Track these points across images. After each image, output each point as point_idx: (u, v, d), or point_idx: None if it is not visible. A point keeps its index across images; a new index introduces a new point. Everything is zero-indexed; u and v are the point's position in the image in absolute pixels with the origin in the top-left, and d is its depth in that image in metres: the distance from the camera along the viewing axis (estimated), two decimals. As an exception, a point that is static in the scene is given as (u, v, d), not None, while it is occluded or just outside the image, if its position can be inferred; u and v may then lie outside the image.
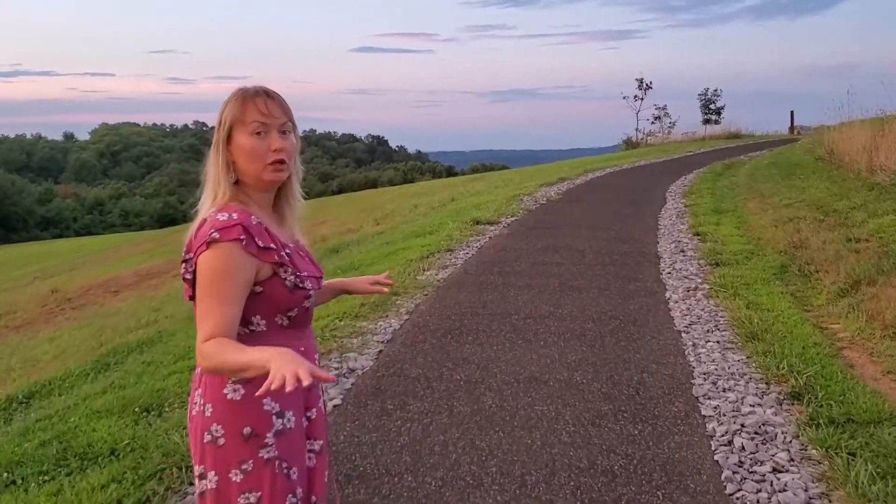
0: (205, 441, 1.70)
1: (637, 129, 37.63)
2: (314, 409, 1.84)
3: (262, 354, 1.47)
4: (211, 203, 1.71)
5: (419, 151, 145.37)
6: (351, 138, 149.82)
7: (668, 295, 6.21)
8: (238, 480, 1.69)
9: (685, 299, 6.05)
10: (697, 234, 8.98)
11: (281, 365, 1.39)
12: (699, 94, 39.02)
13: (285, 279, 1.70)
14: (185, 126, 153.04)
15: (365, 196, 28.72)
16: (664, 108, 38.02)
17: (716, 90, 38.82)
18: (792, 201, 9.89)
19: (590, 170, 19.13)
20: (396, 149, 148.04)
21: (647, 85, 37.77)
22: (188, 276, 1.69)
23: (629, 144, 36.54)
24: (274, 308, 1.71)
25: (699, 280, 6.69)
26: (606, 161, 22.79)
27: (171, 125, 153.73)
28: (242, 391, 1.68)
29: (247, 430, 1.69)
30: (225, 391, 1.68)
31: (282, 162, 1.71)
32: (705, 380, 4.20)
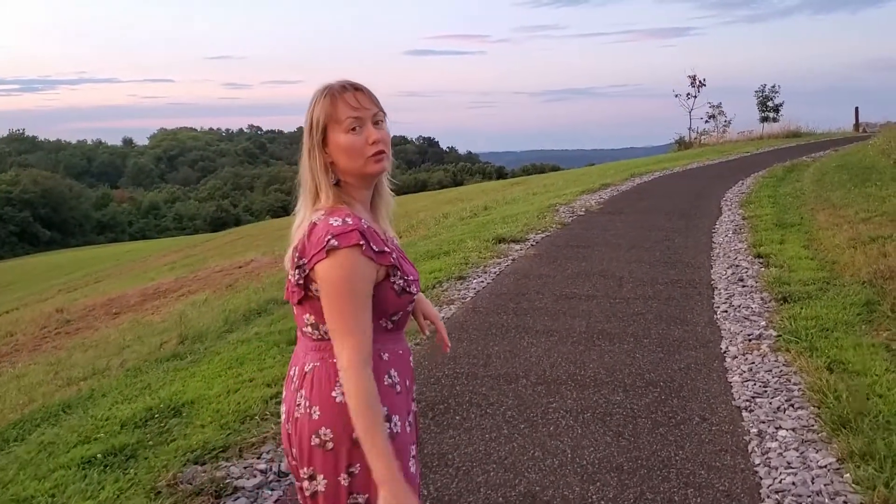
0: (312, 444, 1.65)
1: (690, 129, 35.81)
2: (412, 414, 1.81)
3: (391, 465, 1.53)
4: (312, 206, 1.69)
5: (470, 152, 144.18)
6: (402, 140, 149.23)
7: (723, 346, 4.90)
8: (346, 484, 1.65)
9: (746, 353, 4.73)
10: (759, 256, 7.59)
11: (403, 500, 1.52)
12: (756, 91, 36.97)
13: (394, 283, 1.67)
14: (241, 130, 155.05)
15: (401, 202, 27.65)
16: (719, 105, 36.07)
17: (774, 86, 36.70)
18: (870, 214, 8.40)
19: (637, 174, 17.69)
20: (447, 150, 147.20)
21: (700, 82, 35.87)
22: (300, 282, 1.64)
23: (682, 144, 34.77)
24: (381, 312, 1.67)
25: (763, 323, 5.35)
26: (656, 164, 21.27)
27: (227, 129, 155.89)
28: None
29: (355, 435, 1.59)
30: (333, 394, 1.64)
31: (382, 152, 1.69)
32: None
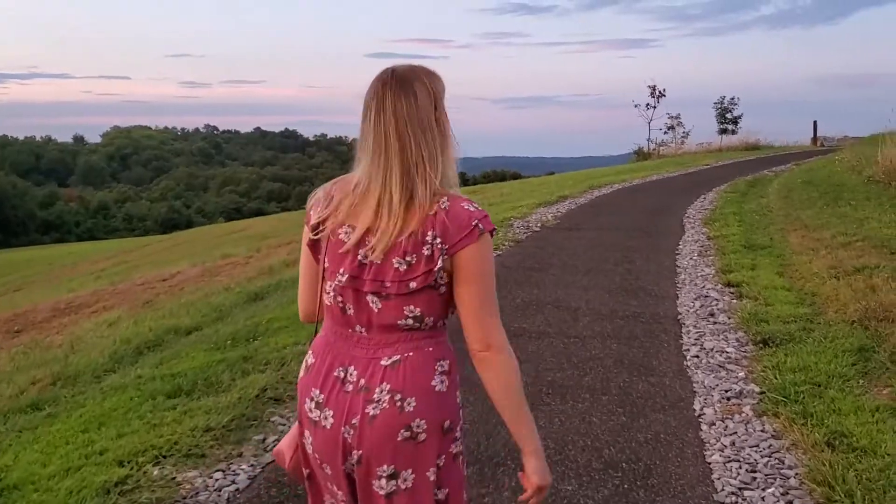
0: (400, 439, 1.56)
1: (649, 140, 35.41)
2: None
3: (538, 439, 1.65)
4: (428, 187, 1.54)
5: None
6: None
7: (697, 407, 4.03)
8: (434, 478, 1.60)
9: (725, 418, 3.87)
10: (729, 285, 6.79)
11: (548, 473, 1.63)
12: (715, 103, 36.81)
13: None
14: (197, 129, 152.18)
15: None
16: (678, 117, 35.75)
17: (732, 99, 36.61)
18: (850, 238, 7.68)
19: (596, 185, 16.94)
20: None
21: (660, 92, 35.49)
22: (438, 267, 1.53)
23: (640, 155, 34.34)
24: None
25: (742, 374, 4.51)
26: (615, 175, 20.58)
27: (183, 129, 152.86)
28: (447, 382, 1.62)
29: (447, 423, 1.61)
30: (433, 383, 1.59)
31: None
32: None
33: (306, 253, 1.74)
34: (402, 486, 1.59)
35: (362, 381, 1.60)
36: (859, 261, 6.67)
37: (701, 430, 3.75)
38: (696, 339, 5.26)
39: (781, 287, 6.52)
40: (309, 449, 1.69)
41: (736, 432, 3.69)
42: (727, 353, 4.94)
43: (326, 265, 1.64)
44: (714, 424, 3.80)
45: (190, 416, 3.93)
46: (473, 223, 1.54)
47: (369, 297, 1.58)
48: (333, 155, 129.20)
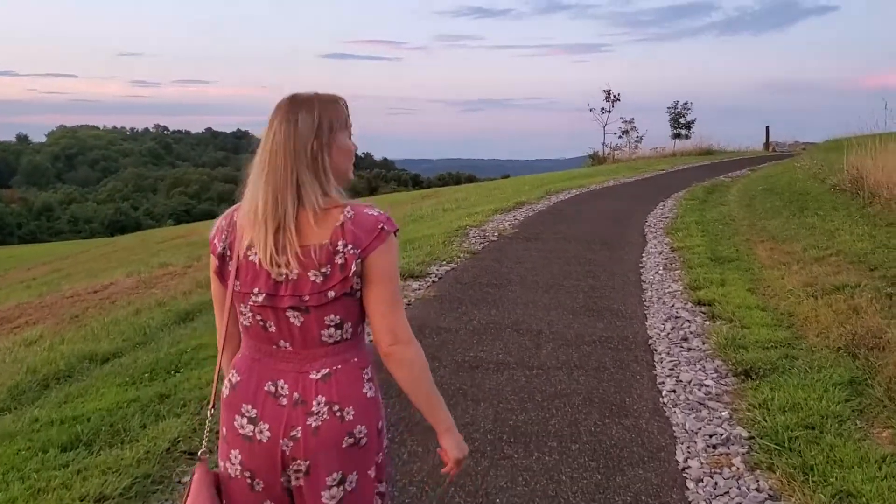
0: (344, 446, 1.65)
1: (604, 144, 35.23)
2: None
3: (450, 417, 1.75)
4: (295, 202, 1.62)
5: (385, 159, 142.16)
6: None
7: (680, 458, 3.51)
8: (374, 475, 1.71)
9: (713, 472, 3.36)
10: (700, 303, 6.33)
11: (464, 445, 1.77)
12: (668, 108, 36.82)
13: None
14: (146, 129, 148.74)
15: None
16: (631, 121, 35.63)
17: (686, 103, 36.64)
18: (823, 252, 7.28)
19: (553, 191, 16.49)
20: (362, 156, 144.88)
21: (614, 97, 35.33)
22: (351, 274, 1.61)
23: (595, 159, 34.13)
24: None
25: (726, 415, 4.02)
26: (570, 180, 20.20)
27: (132, 128, 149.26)
28: (373, 387, 1.72)
29: (381, 423, 1.72)
30: (364, 391, 1.68)
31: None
32: None
33: (216, 281, 1.81)
34: (348, 489, 1.67)
35: (296, 395, 1.64)
36: (837, 278, 6.26)
37: (687, 488, 3.23)
38: (670, 370, 4.76)
39: (755, 306, 6.07)
40: (234, 471, 1.70)
41: (728, 492, 3.18)
42: (706, 386, 4.44)
43: (237, 288, 1.68)
44: (701, 481, 3.28)
45: (84, 477, 3.28)
46: (379, 226, 1.63)
47: (289, 313, 1.63)
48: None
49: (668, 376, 4.65)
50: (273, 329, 1.66)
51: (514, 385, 4.46)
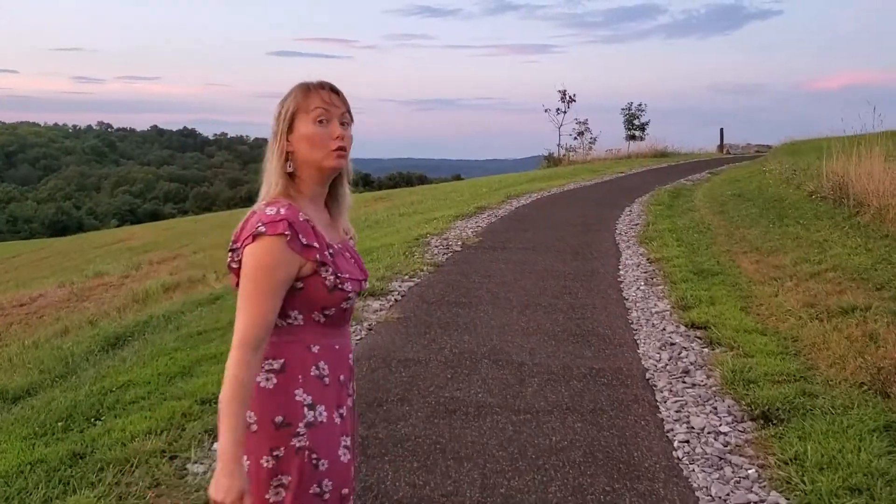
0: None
1: (559, 145, 34.85)
2: (345, 407, 1.82)
3: (235, 449, 1.58)
4: (264, 195, 1.74)
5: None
6: (264, 143, 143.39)
7: (716, 541, 2.87)
8: (269, 466, 1.69)
9: (760, 561, 2.73)
10: (693, 326, 5.75)
11: (231, 484, 1.55)
12: (623, 109, 36.64)
13: (325, 278, 1.70)
14: (89, 127, 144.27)
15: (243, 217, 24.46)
16: (585, 122, 35.33)
17: (640, 105, 36.51)
18: (817, 267, 6.76)
19: (513, 195, 15.89)
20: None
21: (570, 97, 34.98)
22: (234, 266, 1.71)
23: (551, 161, 33.71)
24: (312, 305, 1.72)
25: (753, 473, 3.40)
26: (530, 183, 19.65)
27: (75, 126, 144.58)
28: (275, 380, 1.71)
29: (278, 418, 1.69)
30: (258, 380, 1.69)
31: (342, 149, 1.74)
32: None
33: None
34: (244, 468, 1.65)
35: None
36: (841, 298, 5.72)
37: (733, 587, 2.59)
38: (677, 412, 4.13)
39: (755, 330, 5.50)
40: None
41: (785, 592, 2.54)
42: (723, 435, 3.82)
43: None
44: (748, 575, 2.65)
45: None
46: (257, 226, 1.64)
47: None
48: (234, 154, 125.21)
49: (676, 421, 4.02)
50: None
51: (501, 436, 3.78)
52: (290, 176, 1.74)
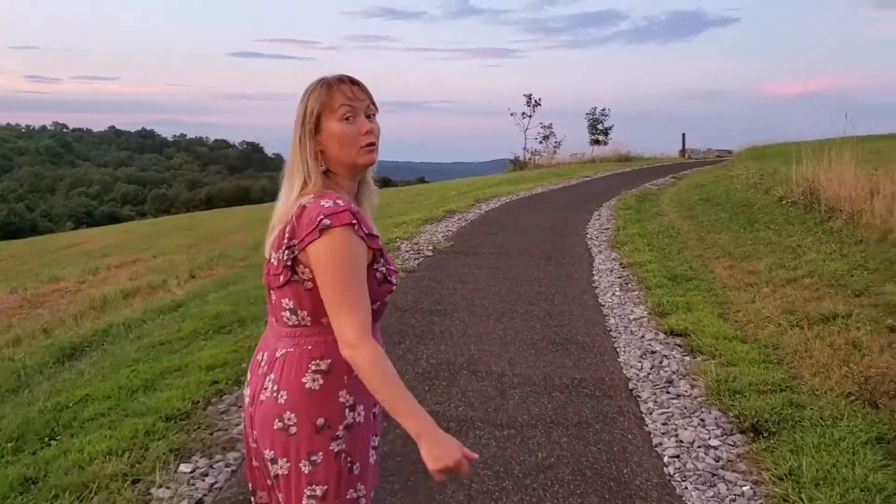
0: (274, 428, 1.66)
1: (525, 149, 34.90)
2: (377, 405, 1.78)
3: (425, 418, 1.55)
4: (299, 193, 1.69)
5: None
6: (224, 144, 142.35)
7: (718, 565, 2.73)
8: (307, 472, 1.66)
9: (766, 588, 2.59)
10: (673, 333, 5.65)
11: (446, 450, 1.51)
12: (587, 114, 36.84)
13: (377, 270, 1.69)
14: (44, 127, 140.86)
15: (210, 219, 24.06)
16: (550, 126, 35.44)
17: (603, 110, 36.77)
18: (793, 273, 6.72)
19: (482, 198, 15.76)
20: (273, 156, 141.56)
21: (535, 102, 35.07)
22: (288, 263, 1.65)
23: (517, 164, 33.74)
24: None
25: (748, 490, 3.29)
26: (498, 186, 19.54)
27: (28, 125, 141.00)
28: (321, 381, 1.68)
29: (320, 420, 1.67)
30: (304, 380, 1.66)
31: (373, 144, 1.72)
32: None
33: None
34: (281, 472, 1.68)
35: (265, 367, 1.72)
36: (821, 305, 5.66)
37: None
38: (664, 425, 4.01)
39: (734, 338, 5.41)
40: (242, 427, 2.03)
41: None
42: (714, 448, 3.70)
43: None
44: None
45: None
46: (319, 219, 1.59)
47: (271, 291, 1.73)
48: (193, 156, 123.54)
49: (664, 434, 3.89)
50: (269, 305, 1.77)
51: (485, 453, 3.60)
52: (325, 172, 1.72)
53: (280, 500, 1.71)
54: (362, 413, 1.72)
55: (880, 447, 3.58)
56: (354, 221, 1.61)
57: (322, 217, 1.59)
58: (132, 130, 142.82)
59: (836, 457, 3.46)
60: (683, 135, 36.24)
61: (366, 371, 1.55)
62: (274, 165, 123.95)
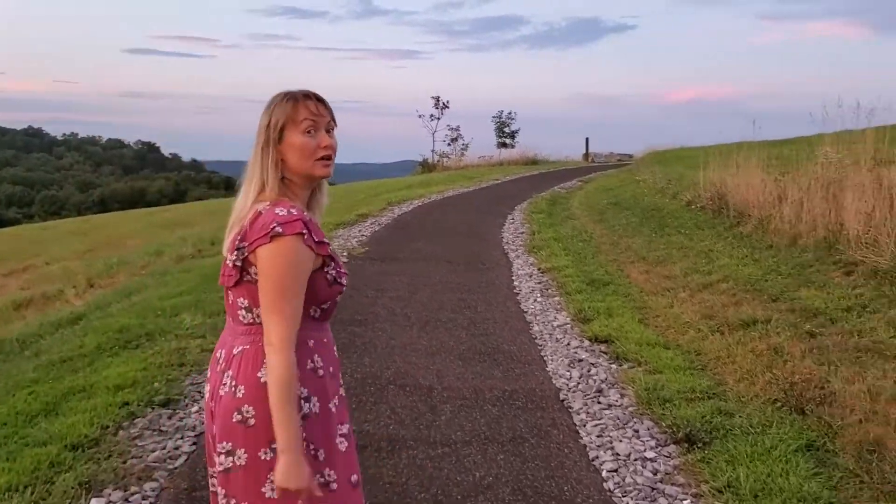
0: (234, 420, 1.74)
1: (433, 151, 34.91)
2: (337, 397, 1.89)
3: (297, 439, 1.67)
4: (255, 197, 1.79)
5: (195, 160, 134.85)
6: (118, 144, 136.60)
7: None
8: (268, 459, 1.73)
9: None
10: (597, 340, 5.64)
11: (297, 475, 1.64)
12: (493, 117, 37.22)
13: (327, 273, 1.80)
14: None
15: (105, 224, 22.90)
16: (457, 128, 35.60)
17: (510, 113, 37.22)
18: (708, 278, 6.84)
19: (394, 201, 15.59)
20: (170, 156, 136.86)
21: (444, 104, 35.14)
22: (238, 264, 1.75)
23: (425, 167, 33.72)
24: (312, 300, 1.77)
25: (691, 504, 3.24)
26: (409, 189, 19.39)
27: None
28: None
29: None
30: (259, 375, 1.74)
31: (329, 157, 1.84)
32: None
33: None
34: (238, 463, 1.74)
35: (223, 364, 1.80)
36: (739, 310, 5.77)
37: None
38: (598, 437, 3.95)
39: (657, 344, 5.45)
40: (203, 422, 2.09)
41: None
42: (651, 461, 3.66)
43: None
44: None
45: None
46: (272, 226, 1.69)
47: (227, 291, 1.82)
48: (85, 156, 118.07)
49: (599, 447, 3.82)
50: (226, 305, 1.86)
51: (420, 475, 3.44)
52: (282, 180, 1.81)
53: (222, 494, 1.78)
54: (317, 404, 1.80)
55: (811, 455, 3.61)
56: (305, 231, 1.71)
57: (275, 225, 1.69)
58: (18, 128, 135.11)
59: (770, 466, 3.47)
60: (587, 139, 37.11)
61: (274, 372, 1.64)
62: (171, 166, 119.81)
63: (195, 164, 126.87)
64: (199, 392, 4.41)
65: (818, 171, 7.58)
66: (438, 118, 34.69)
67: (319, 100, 1.84)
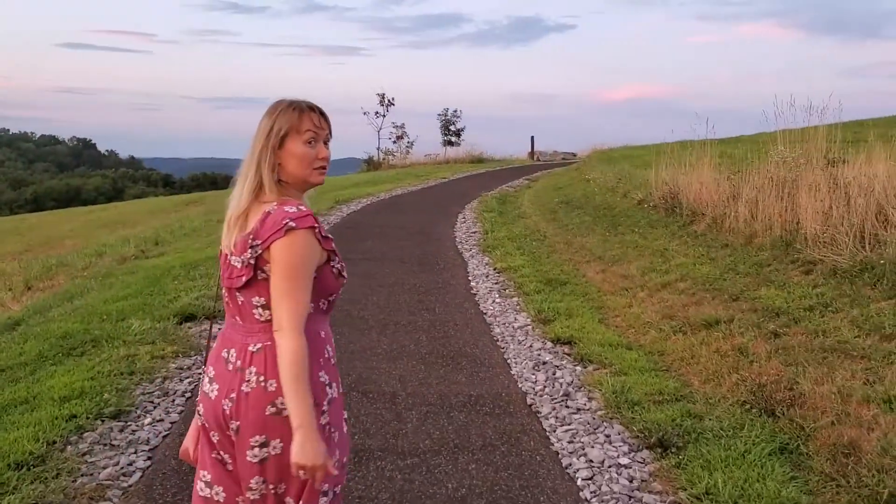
0: (268, 413, 1.80)
1: (378, 149, 34.64)
2: (340, 383, 1.99)
3: (311, 415, 1.72)
4: (253, 197, 1.88)
5: (133, 157, 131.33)
6: (52, 140, 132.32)
7: None
8: None
9: None
10: (559, 341, 5.56)
11: (314, 452, 1.69)
12: (439, 115, 37.16)
13: (333, 266, 1.91)
14: None
15: (40, 223, 22.01)
16: (402, 126, 35.43)
17: (455, 111, 37.20)
18: (666, 277, 6.83)
19: (342, 200, 15.34)
20: (106, 153, 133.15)
21: (389, 101, 34.90)
22: (252, 262, 1.81)
23: (371, 164, 33.44)
24: (321, 293, 1.88)
25: (671, 513, 3.16)
26: (356, 188, 19.14)
27: None
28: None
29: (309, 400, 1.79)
30: None
31: (325, 167, 1.95)
32: None
33: None
34: (273, 453, 1.81)
35: (239, 363, 1.85)
36: (700, 309, 5.76)
37: None
38: (570, 443, 3.85)
39: (620, 344, 5.40)
40: (200, 420, 1.94)
41: None
42: (625, 468, 3.58)
43: (220, 271, 1.96)
44: None
45: None
46: (285, 222, 1.79)
47: (236, 292, 1.87)
48: (17, 153, 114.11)
49: (572, 454, 3.73)
50: (231, 305, 1.91)
51: (391, 488, 3.29)
52: (277, 183, 1.89)
53: (258, 482, 1.83)
54: (336, 389, 1.92)
55: (785, 458, 3.58)
56: (316, 226, 1.82)
57: (288, 220, 1.79)
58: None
59: (746, 471, 3.42)
60: (532, 137, 37.29)
61: (286, 355, 1.72)
62: (108, 163, 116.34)
63: (133, 161, 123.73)
64: (152, 403, 4.17)
65: (771, 170, 7.67)
66: (384, 115, 34.48)
67: (322, 113, 1.94)
